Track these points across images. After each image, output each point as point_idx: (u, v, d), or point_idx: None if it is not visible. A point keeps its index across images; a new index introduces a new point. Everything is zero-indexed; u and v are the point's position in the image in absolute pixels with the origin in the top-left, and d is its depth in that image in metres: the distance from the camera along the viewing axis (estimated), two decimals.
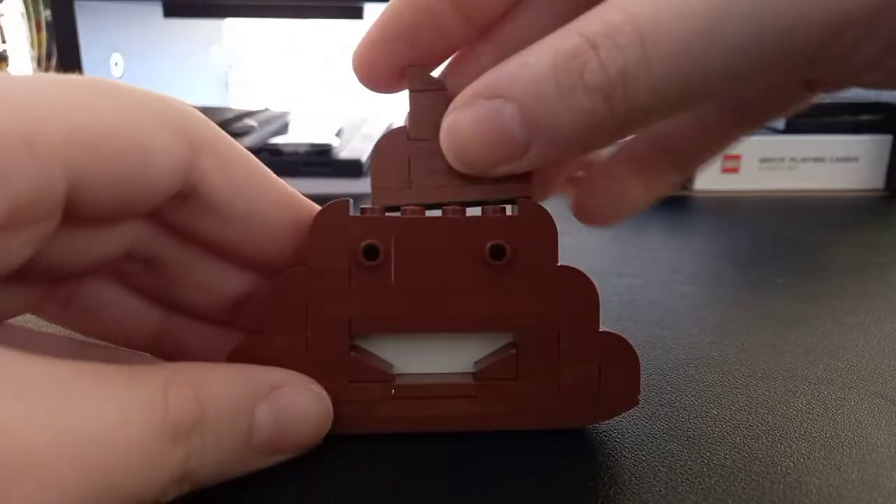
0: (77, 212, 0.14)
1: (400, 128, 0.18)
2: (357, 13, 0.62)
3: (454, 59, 0.19)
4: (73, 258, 0.16)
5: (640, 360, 0.19)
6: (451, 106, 0.17)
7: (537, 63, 0.15)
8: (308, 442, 0.17)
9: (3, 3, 0.54)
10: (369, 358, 0.18)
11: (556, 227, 0.18)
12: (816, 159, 0.53)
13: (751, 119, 0.19)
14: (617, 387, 0.19)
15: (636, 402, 0.19)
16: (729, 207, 0.48)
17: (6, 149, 0.13)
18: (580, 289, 0.18)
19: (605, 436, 0.19)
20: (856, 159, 0.53)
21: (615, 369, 0.18)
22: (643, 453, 0.18)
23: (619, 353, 0.19)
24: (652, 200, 0.20)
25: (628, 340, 0.18)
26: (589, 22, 0.15)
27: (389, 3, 0.17)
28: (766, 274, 0.34)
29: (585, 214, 0.20)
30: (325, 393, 0.17)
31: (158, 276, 0.18)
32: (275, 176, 0.18)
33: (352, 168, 0.50)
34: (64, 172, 0.14)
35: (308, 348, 0.18)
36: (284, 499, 0.16)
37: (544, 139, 0.15)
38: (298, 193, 0.18)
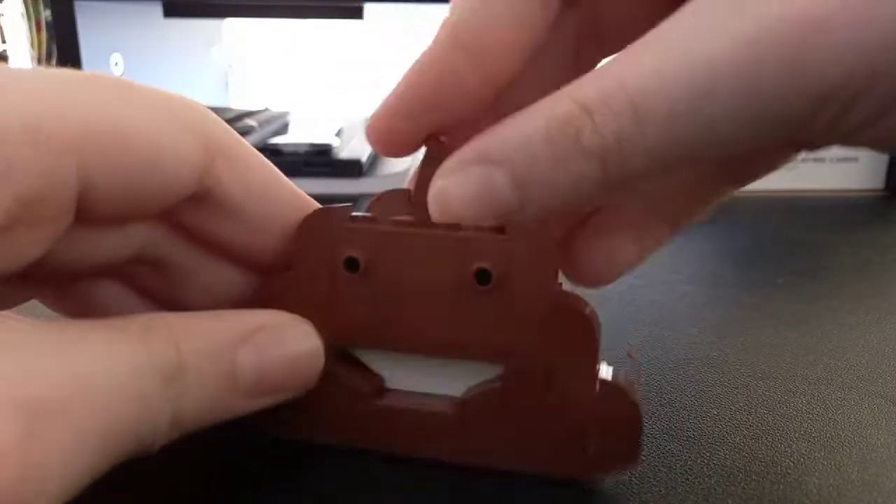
0: (89, 211, 0.14)
1: (402, 191, 0.18)
2: (357, 13, 0.62)
3: None
4: (82, 258, 0.16)
5: (642, 417, 0.16)
6: (439, 172, 0.16)
7: (530, 128, 0.15)
8: (299, 383, 0.17)
9: (4, 3, 0.54)
10: (352, 369, 0.18)
11: (556, 253, 0.16)
12: (816, 159, 0.53)
13: (738, 177, 0.20)
14: (613, 444, 0.17)
15: (635, 466, 0.17)
16: (729, 207, 0.48)
17: (8, 142, 0.12)
18: (576, 325, 0.16)
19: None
20: (856, 159, 0.53)
21: (612, 424, 0.17)
22: (643, 453, 0.18)
23: (619, 406, 0.16)
24: (645, 258, 0.20)
25: (631, 394, 0.16)
26: (583, 88, 0.15)
27: (409, 69, 0.17)
28: (766, 274, 0.34)
29: (578, 275, 0.20)
30: (313, 331, 0.17)
31: (164, 278, 0.18)
32: (287, 179, 0.18)
33: (352, 168, 0.50)
34: (76, 170, 0.14)
35: None
36: None
37: (537, 201, 0.15)
38: (308, 197, 0.18)
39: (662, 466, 0.18)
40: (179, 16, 0.68)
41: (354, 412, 0.18)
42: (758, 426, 0.20)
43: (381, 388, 0.18)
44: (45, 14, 0.55)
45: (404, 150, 0.18)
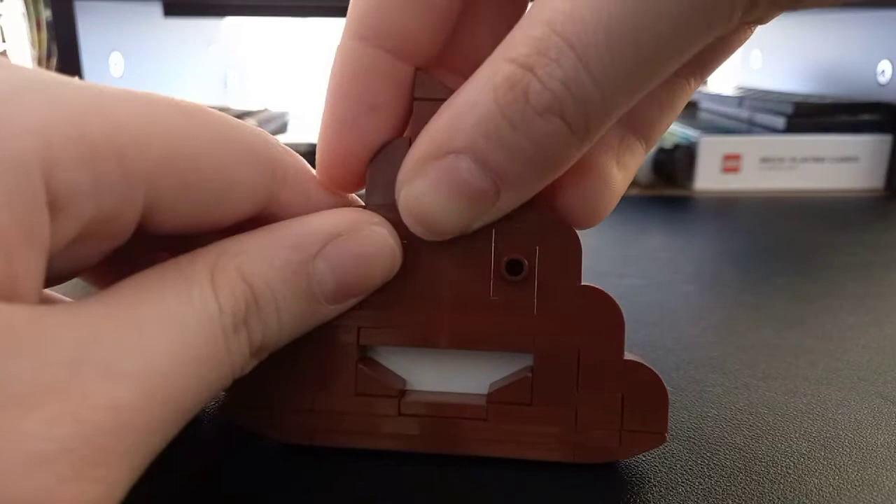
0: (148, 228, 0.14)
1: (403, 139, 0.17)
2: None
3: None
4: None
5: (667, 390, 0.17)
6: (401, 176, 0.15)
7: (477, 104, 0.14)
8: (380, 278, 0.17)
9: (4, 2, 0.54)
10: (379, 371, 0.18)
11: (580, 244, 0.17)
12: (816, 159, 0.53)
13: (702, 68, 0.19)
14: (642, 422, 0.17)
15: (664, 440, 0.17)
16: (729, 207, 0.48)
17: (101, 165, 0.13)
18: (604, 311, 0.17)
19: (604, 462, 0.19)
20: (856, 159, 0.53)
21: (640, 402, 0.17)
22: (643, 453, 0.18)
23: (646, 385, 0.17)
24: (629, 181, 0.19)
25: (656, 371, 0.17)
26: (515, 45, 0.14)
27: (329, 88, 0.16)
28: (766, 274, 0.34)
29: (577, 217, 0.19)
30: (385, 228, 0.16)
31: None
32: (341, 195, 0.18)
33: None
34: (145, 194, 0.14)
35: (314, 357, 0.17)
36: None
37: (513, 179, 0.15)
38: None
39: (663, 466, 0.18)
40: (179, 15, 0.68)
41: (385, 414, 0.18)
42: (758, 426, 0.20)
43: (406, 389, 0.18)
44: (46, 14, 0.55)
45: (360, 172, 0.17)
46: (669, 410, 0.17)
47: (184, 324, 0.13)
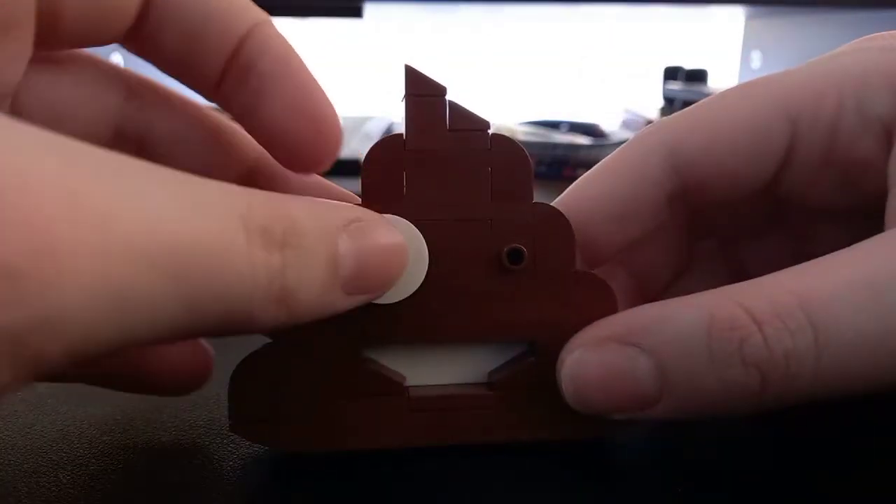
0: (49, 25, 0.15)
1: (396, 135, 0.17)
2: (357, 12, 0.62)
3: None
4: (63, 112, 0.17)
5: None
6: (577, 340, 0.16)
7: (687, 321, 0.14)
8: (390, 279, 0.16)
9: None
10: (381, 370, 0.18)
11: (573, 231, 0.17)
12: None
13: None
14: None
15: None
16: None
17: None
18: (599, 296, 0.17)
19: (605, 437, 0.19)
20: None
21: None
22: (643, 453, 0.18)
23: None
24: None
25: None
26: (752, 296, 0.14)
27: (616, 158, 0.19)
28: None
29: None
30: (394, 229, 0.16)
31: (150, 158, 0.18)
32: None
33: (351, 168, 0.50)
34: None
35: (316, 360, 0.17)
36: None
37: (679, 399, 0.15)
38: (256, 7, 0.17)
39: (663, 467, 0.18)
40: None
41: (393, 412, 0.18)
42: (758, 426, 0.20)
43: (406, 388, 0.18)
44: None
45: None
46: None
47: (197, 196, 0.11)
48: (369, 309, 0.17)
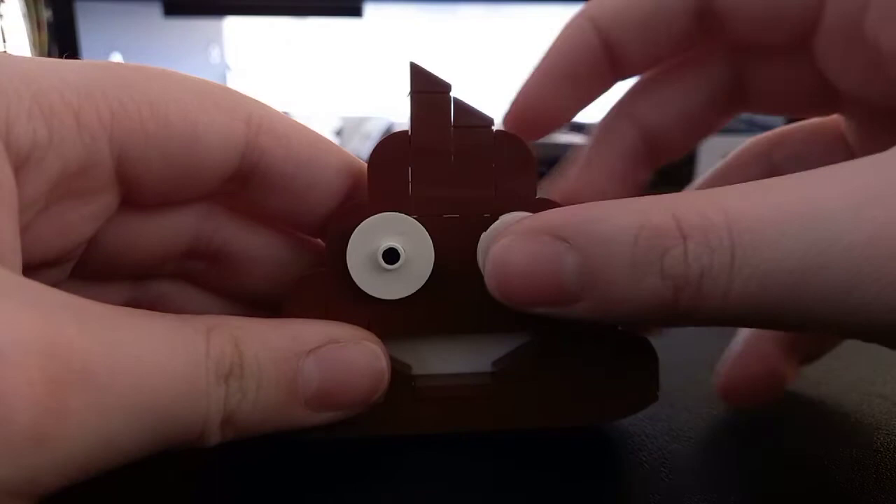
0: (134, 191, 0.15)
1: (401, 132, 0.17)
2: (356, 11, 0.62)
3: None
4: (136, 245, 0.17)
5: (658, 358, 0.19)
6: (511, 228, 0.15)
7: (619, 225, 0.14)
8: (362, 399, 0.16)
9: (4, 3, 0.54)
10: (390, 359, 0.18)
11: None
12: None
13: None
14: (636, 384, 0.19)
15: (655, 399, 0.19)
16: None
17: (57, 119, 0.14)
18: None
19: (606, 437, 0.19)
20: None
21: (635, 367, 0.18)
22: (644, 454, 0.18)
23: (639, 352, 0.18)
24: (796, 376, 0.21)
25: (648, 338, 0.19)
26: (687, 207, 0.14)
27: (550, 47, 0.19)
28: None
29: (737, 395, 0.21)
30: (380, 349, 0.17)
31: (223, 271, 0.18)
32: (336, 145, 0.18)
33: None
34: (109, 145, 0.14)
35: None
36: None
37: (597, 300, 0.14)
38: (356, 158, 0.18)
39: (663, 467, 0.18)
40: (179, 15, 0.68)
41: (397, 400, 0.18)
42: (759, 427, 0.20)
43: (413, 376, 0.18)
44: (46, 14, 0.55)
45: (543, 128, 0.20)
46: (671, 410, 0.18)
47: (172, 346, 0.13)
48: (376, 303, 0.17)
